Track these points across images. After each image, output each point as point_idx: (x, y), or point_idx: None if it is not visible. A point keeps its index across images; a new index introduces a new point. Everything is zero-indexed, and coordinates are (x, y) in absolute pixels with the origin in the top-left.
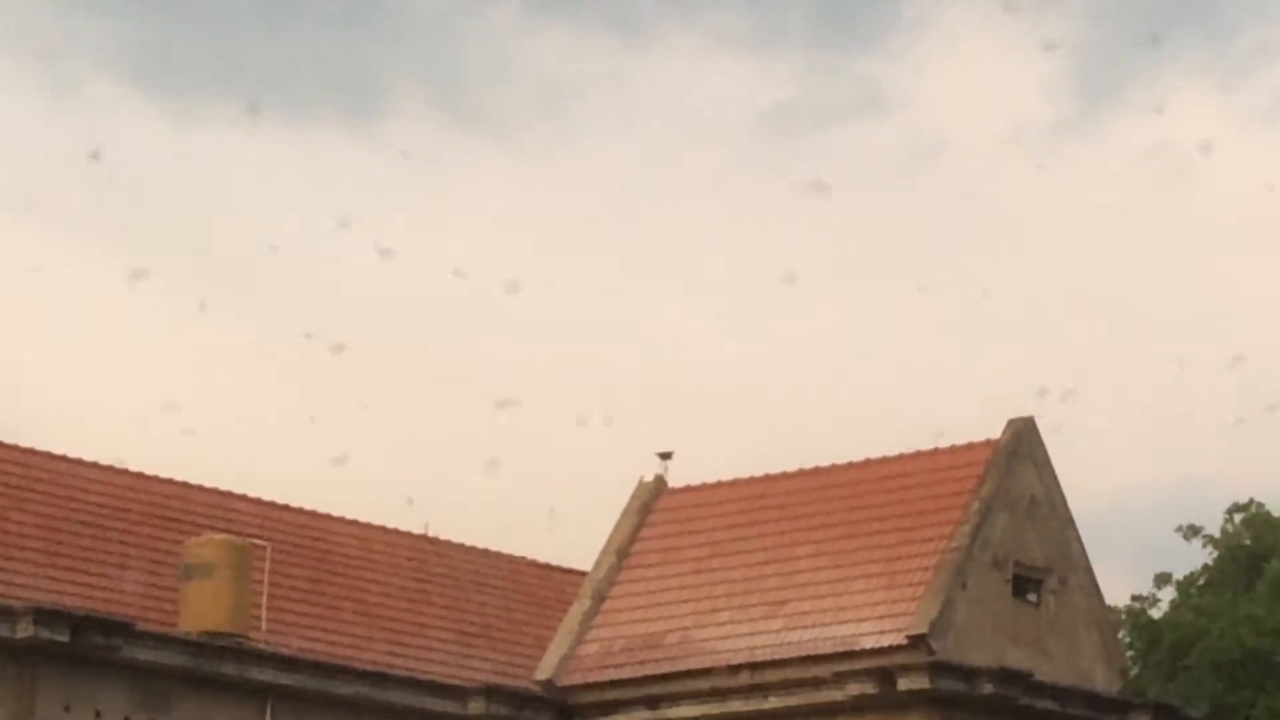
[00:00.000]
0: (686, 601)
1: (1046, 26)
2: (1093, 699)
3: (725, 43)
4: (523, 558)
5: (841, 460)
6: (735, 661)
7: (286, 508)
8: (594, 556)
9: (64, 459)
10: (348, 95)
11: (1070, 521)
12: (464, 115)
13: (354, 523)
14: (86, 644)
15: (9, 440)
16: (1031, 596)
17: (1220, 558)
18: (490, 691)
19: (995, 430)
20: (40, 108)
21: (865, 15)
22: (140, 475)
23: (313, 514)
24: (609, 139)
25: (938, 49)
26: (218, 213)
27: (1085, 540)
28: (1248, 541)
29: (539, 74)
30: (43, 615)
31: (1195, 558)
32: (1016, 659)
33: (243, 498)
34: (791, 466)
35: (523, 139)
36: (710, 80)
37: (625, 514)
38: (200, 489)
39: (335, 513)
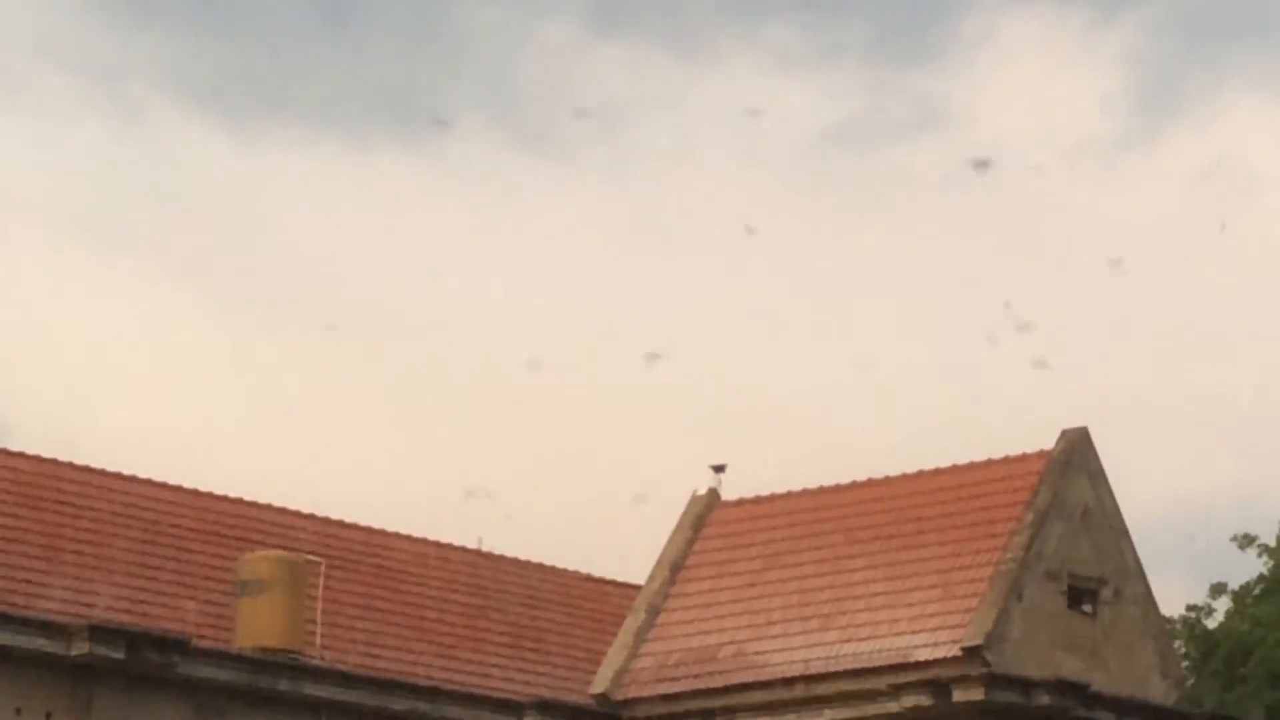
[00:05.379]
0: (741, 614)
1: (1106, 43)
2: (1149, 710)
3: (784, 60)
4: (577, 572)
5: (895, 472)
6: (790, 674)
7: (341, 523)
8: (648, 570)
9: (119, 476)
10: (407, 116)
11: (1125, 532)
12: (523, 135)
13: (408, 538)
14: (142, 661)
15: (65, 458)
16: (1086, 607)
17: (1276, 567)
18: (545, 706)
19: (1049, 441)
20: (101, 129)
21: (925, 31)
22: (195, 492)
23: (367, 529)
24: (667, 157)
25: (997, 65)
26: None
27: (1140, 550)
28: None
29: (598, 94)
30: (98, 633)
31: (1251, 567)
32: (1072, 670)
33: (298, 514)
34: (845, 479)
35: (581, 158)
36: (769, 98)
37: (678, 527)
38: (255, 505)
39: (390, 528)
